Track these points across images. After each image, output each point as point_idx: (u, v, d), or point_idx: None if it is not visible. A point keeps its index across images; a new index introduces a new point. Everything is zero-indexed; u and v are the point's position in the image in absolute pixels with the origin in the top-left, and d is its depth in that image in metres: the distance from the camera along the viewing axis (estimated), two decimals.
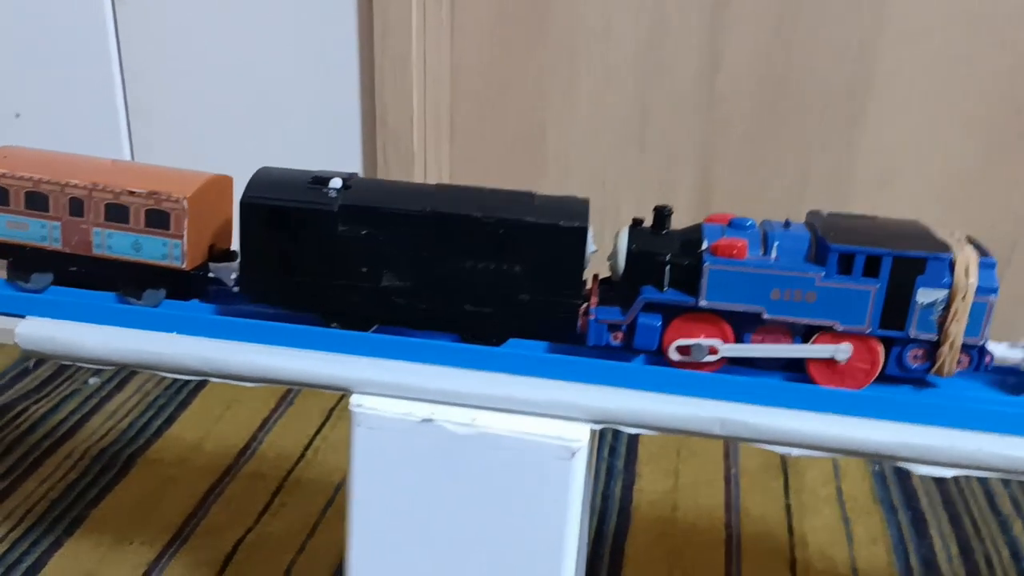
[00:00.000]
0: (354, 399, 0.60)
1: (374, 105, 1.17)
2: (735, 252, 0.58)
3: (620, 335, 0.61)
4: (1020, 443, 0.57)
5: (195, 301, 0.68)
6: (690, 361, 0.60)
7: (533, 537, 0.59)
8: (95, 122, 1.25)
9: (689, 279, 0.59)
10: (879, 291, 0.58)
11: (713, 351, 0.60)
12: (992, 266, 0.57)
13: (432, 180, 1.23)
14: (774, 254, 0.59)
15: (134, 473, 1.02)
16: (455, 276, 0.62)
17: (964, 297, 0.57)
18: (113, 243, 0.67)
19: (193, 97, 1.23)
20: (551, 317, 0.62)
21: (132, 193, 0.66)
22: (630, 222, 0.63)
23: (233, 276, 0.69)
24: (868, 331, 0.58)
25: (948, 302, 0.57)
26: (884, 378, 0.60)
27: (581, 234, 0.61)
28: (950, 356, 0.58)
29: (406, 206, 0.62)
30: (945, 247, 0.58)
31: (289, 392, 1.18)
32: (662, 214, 0.62)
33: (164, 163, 0.70)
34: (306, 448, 1.08)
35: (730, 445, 1.10)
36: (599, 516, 0.98)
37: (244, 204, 0.63)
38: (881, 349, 0.59)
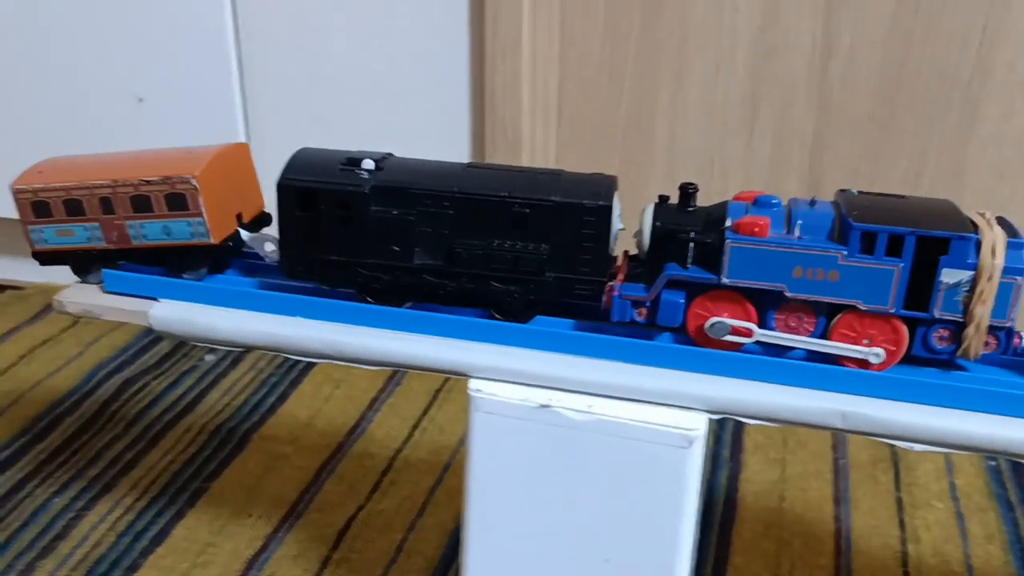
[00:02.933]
0: (472, 384, 0.62)
1: (483, 91, 1.18)
2: (757, 230, 0.58)
3: (644, 311, 0.62)
4: None
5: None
6: (712, 339, 0.61)
7: (648, 525, 0.60)
8: (212, 106, 1.29)
9: (712, 257, 0.60)
10: (903, 271, 0.57)
11: (746, 333, 0.60)
12: (1020, 247, 0.57)
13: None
14: (797, 232, 0.59)
15: (249, 448, 1.06)
16: (483, 254, 0.64)
17: (990, 278, 0.56)
18: (147, 232, 0.71)
19: (306, 82, 1.27)
20: (577, 295, 0.63)
21: (148, 182, 0.69)
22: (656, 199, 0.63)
23: (269, 248, 0.72)
24: (892, 311, 0.58)
25: (973, 283, 0.56)
26: (910, 359, 0.60)
27: (606, 212, 0.62)
28: (976, 338, 0.57)
29: (434, 186, 0.64)
30: (971, 227, 0.57)
31: (396, 374, 1.21)
32: (687, 191, 0.62)
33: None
34: (413, 428, 1.10)
35: (838, 437, 1.08)
36: (705, 505, 0.98)
37: (280, 186, 0.66)
38: (905, 330, 0.59)
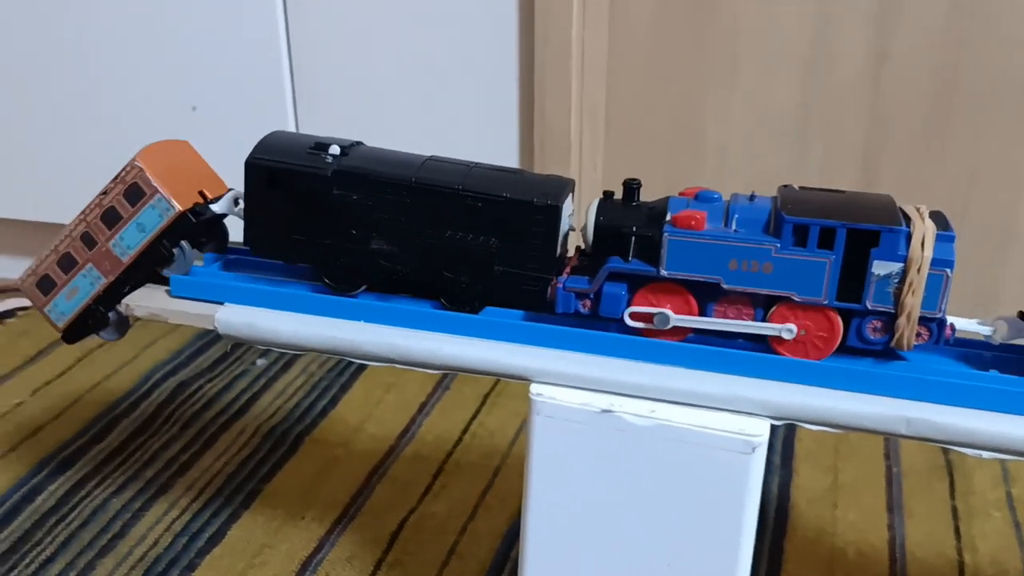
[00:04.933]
0: (534, 388, 0.62)
1: (532, 97, 1.19)
2: (693, 223, 0.60)
3: (588, 303, 0.64)
4: None
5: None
6: (652, 329, 0.63)
7: (709, 531, 0.60)
8: (264, 114, 1.31)
9: (652, 250, 0.62)
10: (834, 263, 0.58)
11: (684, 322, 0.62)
12: (950, 240, 0.58)
13: (587, 174, 1.24)
14: (733, 226, 0.61)
15: (302, 451, 1.07)
16: (436, 244, 0.66)
17: (919, 269, 0.57)
18: (127, 240, 0.73)
19: (356, 91, 1.28)
20: (524, 290, 0.66)
21: (105, 192, 0.72)
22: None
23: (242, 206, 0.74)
24: (825, 302, 0.59)
25: (904, 274, 0.58)
26: (846, 350, 0.62)
27: (554, 212, 0.64)
28: (908, 328, 0.59)
29: (393, 175, 0.66)
30: (902, 220, 0.58)
31: (445, 377, 1.22)
32: (631, 187, 0.65)
33: None
34: (463, 432, 1.11)
35: (891, 444, 1.08)
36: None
37: (248, 164, 0.69)
38: (840, 321, 0.60)
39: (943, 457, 1.05)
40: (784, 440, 1.08)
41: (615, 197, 0.65)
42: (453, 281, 0.67)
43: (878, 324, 0.60)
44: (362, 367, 1.24)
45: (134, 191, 0.72)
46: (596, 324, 0.65)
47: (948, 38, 1.10)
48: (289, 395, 1.19)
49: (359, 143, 0.71)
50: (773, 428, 0.59)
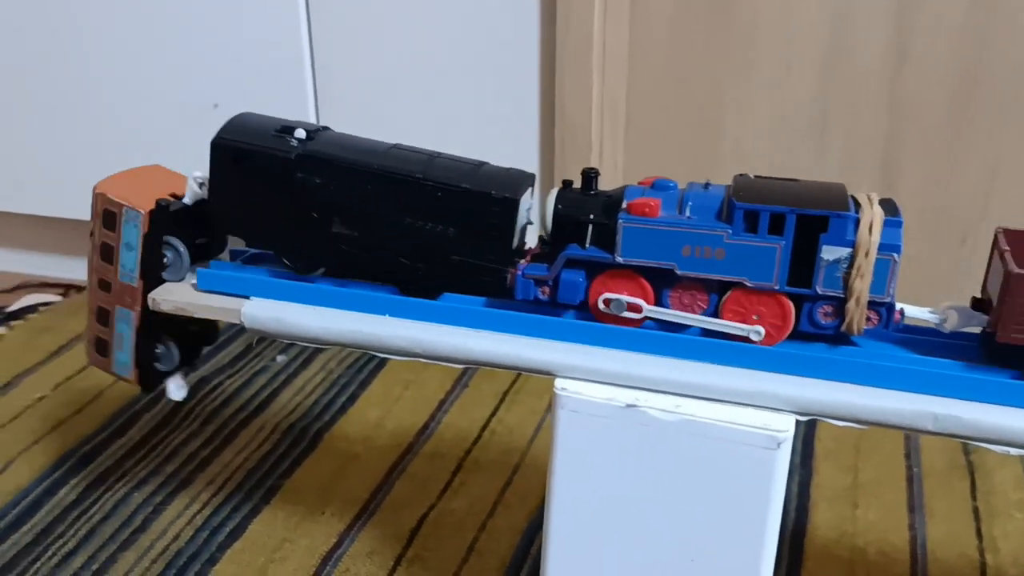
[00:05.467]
0: (558, 383, 0.62)
1: (553, 94, 1.19)
2: (647, 210, 0.61)
3: (547, 290, 0.65)
4: None
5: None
6: (611, 314, 0.64)
7: (734, 526, 0.60)
8: (286, 112, 1.31)
9: (608, 237, 0.63)
10: (784, 248, 0.59)
11: (636, 309, 0.63)
12: (898, 225, 0.59)
13: (608, 171, 1.24)
14: (687, 213, 0.62)
15: (321, 447, 1.07)
16: (395, 231, 0.67)
17: (867, 254, 0.58)
18: (126, 265, 0.74)
19: (378, 87, 1.28)
20: (480, 280, 0.67)
21: (92, 234, 0.75)
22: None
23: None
24: (777, 288, 0.60)
25: (852, 259, 0.58)
26: (799, 335, 0.63)
27: (510, 205, 0.64)
28: (858, 313, 0.59)
29: (356, 160, 0.67)
30: (849, 206, 0.59)
31: (463, 375, 1.22)
32: (589, 176, 0.66)
33: None
34: (482, 430, 1.11)
35: (911, 443, 1.07)
36: None
37: (213, 144, 0.70)
38: (791, 306, 0.61)
39: (964, 457, 1.05)
40: (804, 439, 1.08)
41: (574, 186, 0.67)
42: (410, 268, 0.68)
43: (829, 309, 0.61)
44: (381, 364, 1.25)
45: (107, 217, 0.74)
46: (618, 319, 0.65)
47: (968, 33, 1.10)
48: (308, 391, 1.19)
49: (326, 128, 0.72)
50: (796, 424, 0.59)
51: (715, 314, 0.63)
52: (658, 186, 0.64)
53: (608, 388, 0.61)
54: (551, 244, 0.66)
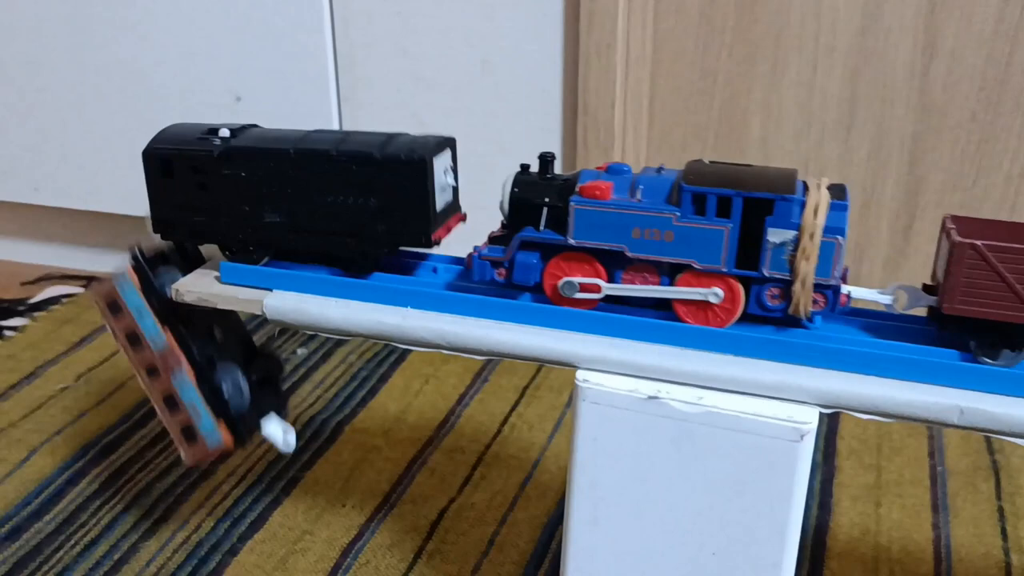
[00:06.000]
0: (580, 375, 0.62)
1: (576, 91, 1.18)
2: (598, 193, 0.62)
3: (503, 272, 0.66)
4: None
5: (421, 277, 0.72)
6: (567, 297, 0.65)
7: (757, 519, 0.59)
8: (308, 104, 1.32)
9: (562, 220, 0.64)
10: (732, 231, 0.60)
11: (595, 289, 0.64)
12: (843, 209, 0.59)
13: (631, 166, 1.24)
14: (638, 196, 0.62)
15: (342, 440, 1.08)
16: (321, 211, 0.69)
17: (812, 236, 0.58)
18: (150, 332, 0.75)
19: (401, 82, 1.28)
20: (408, 245, 0.68)
21: (113, 333, 0.77)
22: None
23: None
24: (724, 270, 0.61)
25: (797, 241, 0.59)
26: (749, 318, 0.63)
27: (421, 167, 0.65)
28: (804, 295, 0.60)
29: (274, 147, 0.68)
30: (795, 189, 0.59)
31: (483, 370, 1.22)
32: (545, 160, 0.67)
33: None
34: (502, 424, 1.11)
35: (935, 442, 1.06)
36: None
37: (143, 154, 0.72)
38: (741, 288, 0.62)
39: (988, 457, 1.04)
40: (826, 437, 1.07)
41: (531, 170, 0.68)
42: (341, 244, 0.69)
43: (776, 291, 0.61)
44: (401, 359, 1.25)
45: (111, 305, 0.76)
46: (641, 312, 0.65)
47: (998, 32, 1.09)
48: (328, 385, 1.19)
49: (253, 125, 0.74)
50: (820, 417, 0.58)
51: None
52: (612, 170, 0.65)
53: (630, 380, 0.61)
54: (508, 227, 0.68)
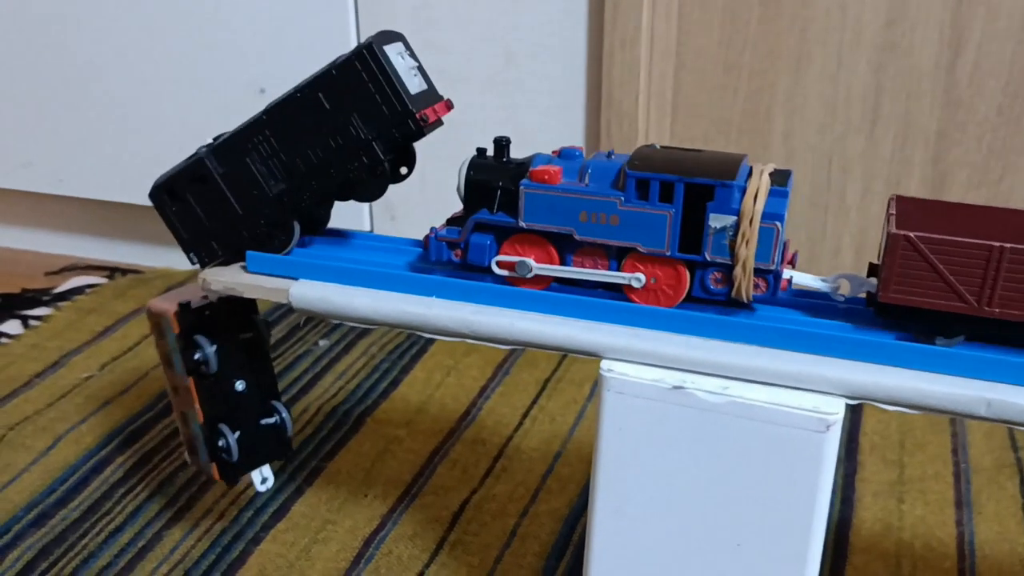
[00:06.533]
0: (604, 364, 0.62)
1: (599, 83, 1.18)
2: (547, 177, 0.64)
3: (459, 252, 0.68)
4: None
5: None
6: (515, 277, 0.67)
7: (782, 510, 0.59)
8: None
9: (514, 202, 0.65)
10: (675, 215, 0.62)
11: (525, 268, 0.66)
12: (783, 195, 0.60)
13: None
14: (586, 181, 0.64)
15: (364, 431, 1.08)
16: (317, 153, 0.69)
17: (751, 221, 0.59)
18: (178, 368, 0.79)
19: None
20: (400, 140, 0.68)
21: (157, 345, 0.81)
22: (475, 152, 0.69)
23: None
24: (668, 253, 0.63)
25: (737, 227, 0.60)
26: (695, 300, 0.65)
27: (372, 52, 0.66)
28: (745, 279, 0.61)
29: (248, 121, 0.70)
30: (736, 175, 0.60)
31: (505, 362, 1.22)
32: (501, 144, 0.68)
33: None
34: (523, 417, 1.11)
35: (959, 439, 1.06)
36: None
37: (150, 195, 0.75)
38: (686, 272, 0.63)
39: (1013, 455, 1.03)
40: (849, 432, 1.07)
41: (488, 154, 0.69)
42: (347, 169, 0.69)
43: (719, 275, 0.63)
44: (422, 350, 1.25)
45: (156, 326, 0.79)
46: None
47: None
48: (350, 376, 1.20)
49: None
50: (845, 408, 0.58)
51: None
52: (564, 154, 0.66)
53: (655, 370, 0.61)
54: (464, 209, 0.69)
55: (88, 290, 1.44)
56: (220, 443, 0.81)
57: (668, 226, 0.62)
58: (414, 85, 0.69)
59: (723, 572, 0.62)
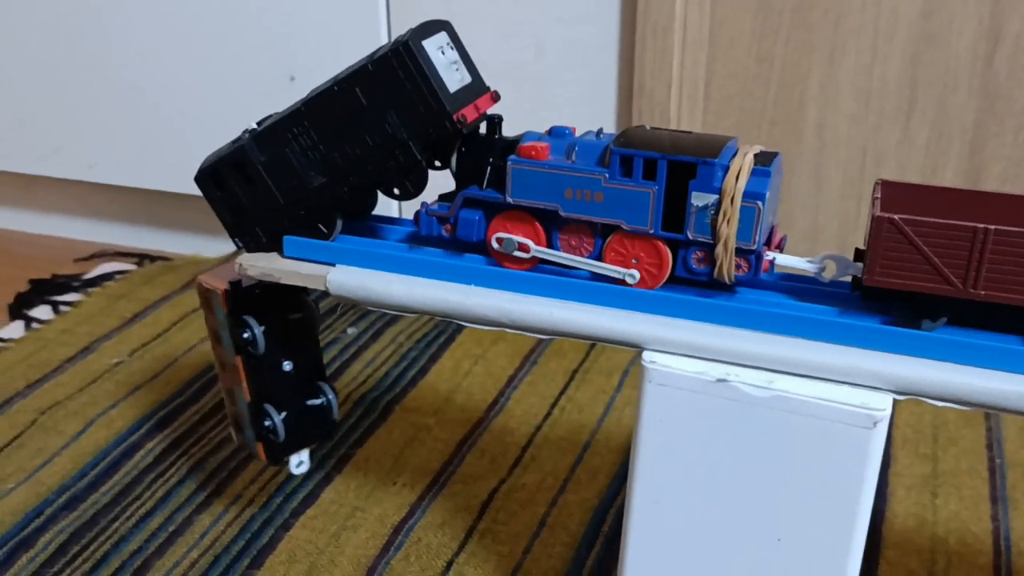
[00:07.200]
0: (646, 355, 0.62)
1: (631, 72, 1.17)
2: (534, 153, 0.64)
3: (449, 227, 0.69)
4: None
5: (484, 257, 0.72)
6: (503, 253, 0.67)
7: (825, 506, 0.59)
8: None
9: (503, 179, 0.66)
10: (658, 193, 0.62)
11: (524, 248, 0.66)
12: (766, 175, 0.60)
13: None
14: (573, 158, 0.65)
15: (393, 419, 1.08)
16: (354, 148, 0.69)
17: (732, 200, 0.59)
18: (227, 345, 0.79)
19: None
20: (435, 136, 0.67)
21: (206, 320, 0.80)
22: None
23: None
24: (651, 232, 0.63)
25: (719, 205, 0.60)
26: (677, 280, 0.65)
27: (409, 49, 0.65)
28: (726, 258, 0.61)
29: (288, 111, 0.70)
30: (720, 155, 0.60)
31: (533, 352, 1.21)
32: (492, 122, 0.69)
33: None
34: (552, 407, 1.11)
35: (993, 434, 1.05)
36: None
37: (196, 180, 0.74)
38: (668, 251, 0.63)
39: None
40: None
41: (480, 132, 0.69)
42: (384, 167, 0.68)
43: (701, 255, 0.63)
44: (450, 339, 1.25)
45: (205, 301, 0.78)
46: (710, 293, 0.64)
47: None
48: (379, 364, 1.20)
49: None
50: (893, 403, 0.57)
51: (599, 257, 0.66)
52: (554, 132, 0.67)
53: (698, 362, 0.60)
54: (456, 185, 0.69)
55: (117, 276, 1.44)
56: (266, 423, 0.80)
57: (651, 203, 0.62)
58: (454, 81, 0.67)
59: (762, 566, 0.62)
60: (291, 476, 0.97)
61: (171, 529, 0.90)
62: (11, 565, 0.86)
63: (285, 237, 0.72)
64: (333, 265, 0.71)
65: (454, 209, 0.68)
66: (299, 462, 0.86)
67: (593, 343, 1.20)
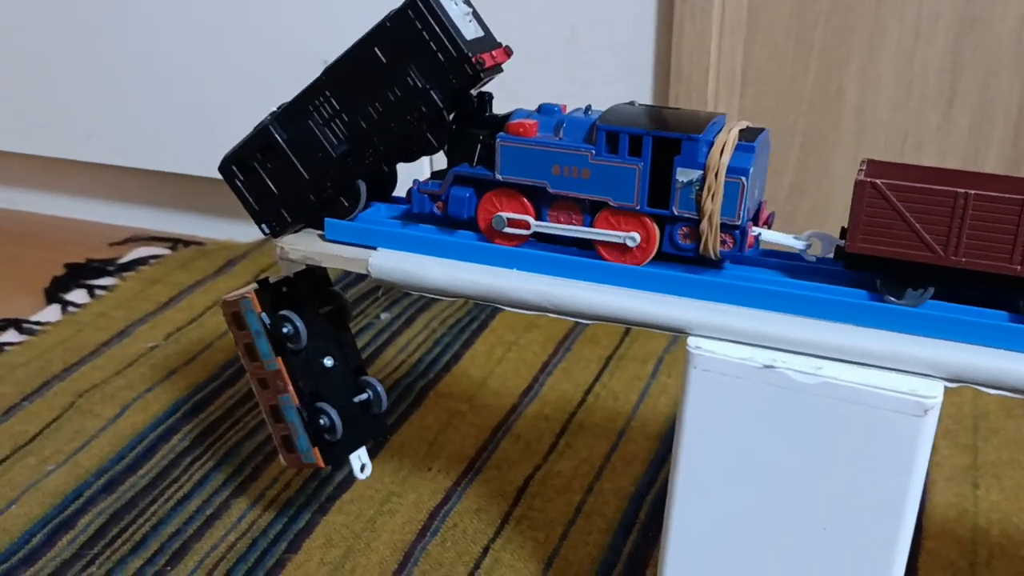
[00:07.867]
0: (691, 341, 0.61)
1: (668, 56, 1.16)
2: (522, 130, 0.65)
3: (441, 205, 0.69)
4: None
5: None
6: (497, 232, 0.68)
7: (873, 496, 0.58)
8: None
9: (493, 156, 0.66)
10: (643, 169, 0.62)
11: (524, 225, 0.67)
12: (750, 150, 0.60)
13: None
14: (561, 135, 0.65)
15: (427, 404, 1.08)
16: (377, 111, 0.69)
17: (717, 175, 0.59)
18: (265, 354, 0.78)
19: None
20: (457, 85, 0.67)
21: (236, 344, 0.80)
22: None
23: None
24: (637, 208, 0.63)
25: (703, 181, 0.60)
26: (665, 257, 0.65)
27: (425, 2, 0.65)
28: (711, 234, 0.61)
29: (308, 84, 0.70)
30: (704, 130, 0.60)
31: (566, 338, 1.21)
32: (483, 99, 0.70)
33: None
34: (586, 393, 1.10)
35: None
36: None
37: (220, 170, 0.74)
38: (655, 227, 0.64)
39: None
40: None
41: (470, 109, 0.70)
42: (408, 122, 0.68)
43: (686, 230, 0.63)
44: (483, 325, 1.24)
45: (235, 317, 0.78)
46: (756, 279, 0.64)
47: None
48: (412, 350, 1.19)
49: None
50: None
51: None
52: (544, 110, 0.67)
53: (744, 348, 0.60)
54: (448, 163, 0.70)
55: (152, 261, 1.45)
56: (322, 421, 0.79)
57: (637, 180, 0.62)
58: (469, 31, 0.68)
59: (807, 554, 0.61)
60: None
61: (208, 512, 0.91)
62: (52, 546, 0.86)
63: (327, 220, 0.72)
64: (375, 248, 0.71)
65: (445, 186, 0.69)
66: (361, 465, 0.85)
67: (628, 329, 1.20)
